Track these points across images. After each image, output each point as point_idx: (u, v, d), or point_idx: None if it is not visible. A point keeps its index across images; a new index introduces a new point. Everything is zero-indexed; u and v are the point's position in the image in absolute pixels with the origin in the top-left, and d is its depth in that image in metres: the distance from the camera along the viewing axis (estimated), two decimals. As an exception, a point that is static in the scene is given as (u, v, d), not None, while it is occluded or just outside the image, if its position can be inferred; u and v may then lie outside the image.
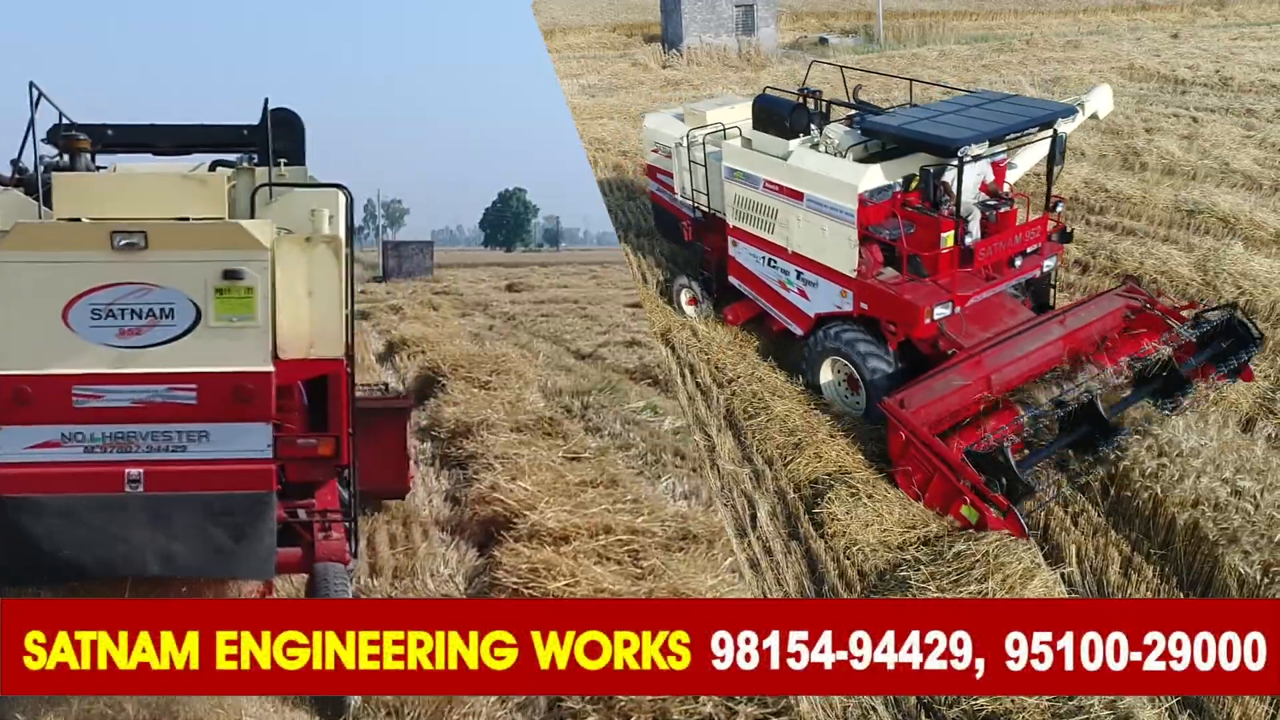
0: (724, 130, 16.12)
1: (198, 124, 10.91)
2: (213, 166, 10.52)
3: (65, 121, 10.46)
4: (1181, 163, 23.42)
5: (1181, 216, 20.29)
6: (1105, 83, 19.85)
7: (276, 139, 10.03)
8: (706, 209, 16.47)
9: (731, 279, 16.20)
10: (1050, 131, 14.03)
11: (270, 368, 8.49)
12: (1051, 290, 15.39)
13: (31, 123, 9.30)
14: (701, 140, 16.21)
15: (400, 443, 12.94)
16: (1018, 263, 14.15)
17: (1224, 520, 10.79)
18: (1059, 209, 15.01)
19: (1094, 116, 17.04)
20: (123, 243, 8.19)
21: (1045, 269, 14.78)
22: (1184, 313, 14.27)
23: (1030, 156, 15.61)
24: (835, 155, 14.25)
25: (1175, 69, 35.00)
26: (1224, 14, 47.16)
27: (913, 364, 13.63)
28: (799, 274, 14.76)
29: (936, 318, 13.26)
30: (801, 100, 15.26)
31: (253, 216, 9.40)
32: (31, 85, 9.25)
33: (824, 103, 15.51)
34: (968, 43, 43.16)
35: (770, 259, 15.25)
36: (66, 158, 9.75)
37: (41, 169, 9.30)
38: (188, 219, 8.67)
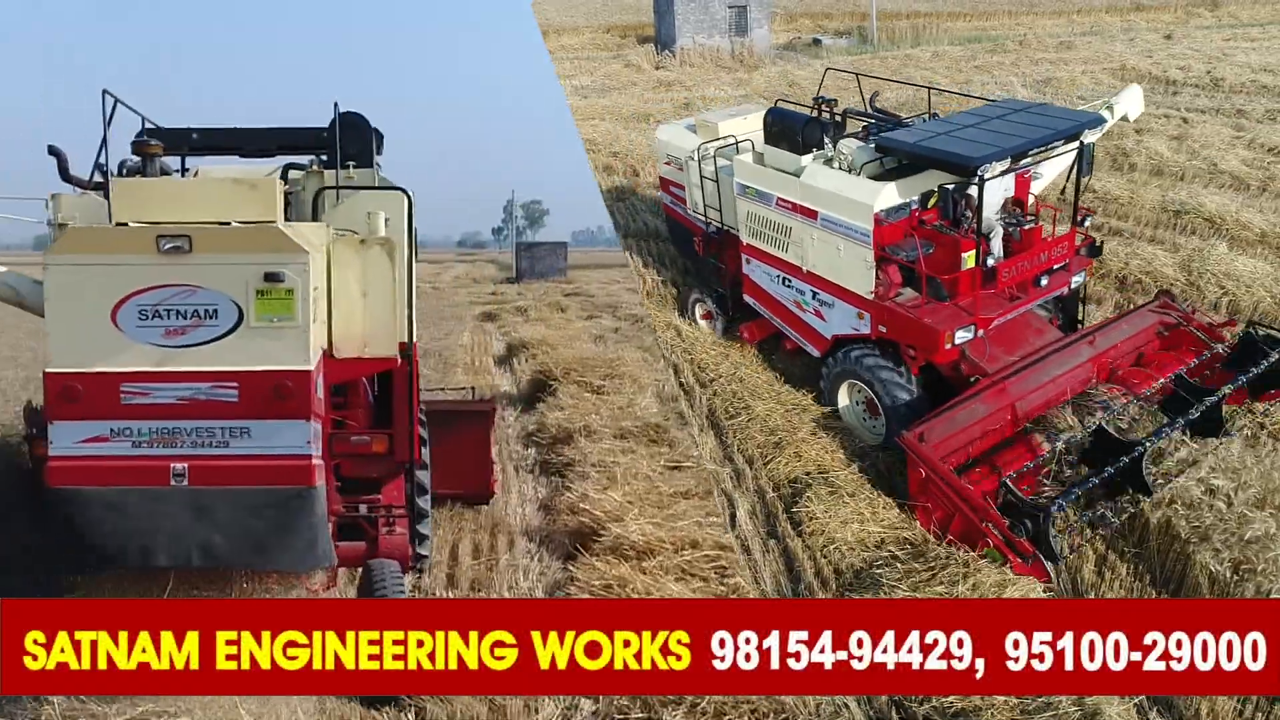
0: (736, 144, 15.66)
1: (276, 127, 11.22)
2: (285, 170, 10.86)
3: (150, 126, 10.94)
4: (1170, 163, 23.32)
5: (1168, 217, 20.25)
6: (1135, 83, 19.34)
7: (346, 142, 10.48)
8: (720, 225, 16.03)
9: (746, 297, 15.74)
10: (1076, 143, 13.53)
11: (309, 367, 8.67)
12: (1081, 306, 14.94)
13: (106, 128, 9.76)
14: (713, 154, 15.79)
15: (483, 447, 12.99)
16: (1044, 281, 13.60)
17: (1196, 519, 10.83)
18: (1087, 222, 14.48)
19: (1124, 119, 16.69)
20: (168, 246, 8.46)
21: (1074, 285, 14.30)
22: (1223, 330, 13.81)
23: (1056, 166, 15.01)
24: (849, 172, 13.76)
25: (1167, 70, 35.01)
26: (1217, 15, 47.10)
27: (935, 386, 13.23)
28: (815, 294, 14.31)
29: (958, 342, 12.80)
30: (816, 112, 14.76)
31: (316, 219, 9.98)
32: (105, 93, 9.70)
33: (839, 113, 15.06)
34: (961, 43, 42.97)
35: (785, 278, 14.79)
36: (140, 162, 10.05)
37: (124, 173, 9.89)
38: (232, 223, 8.84)
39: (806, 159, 14.13)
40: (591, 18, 50.85)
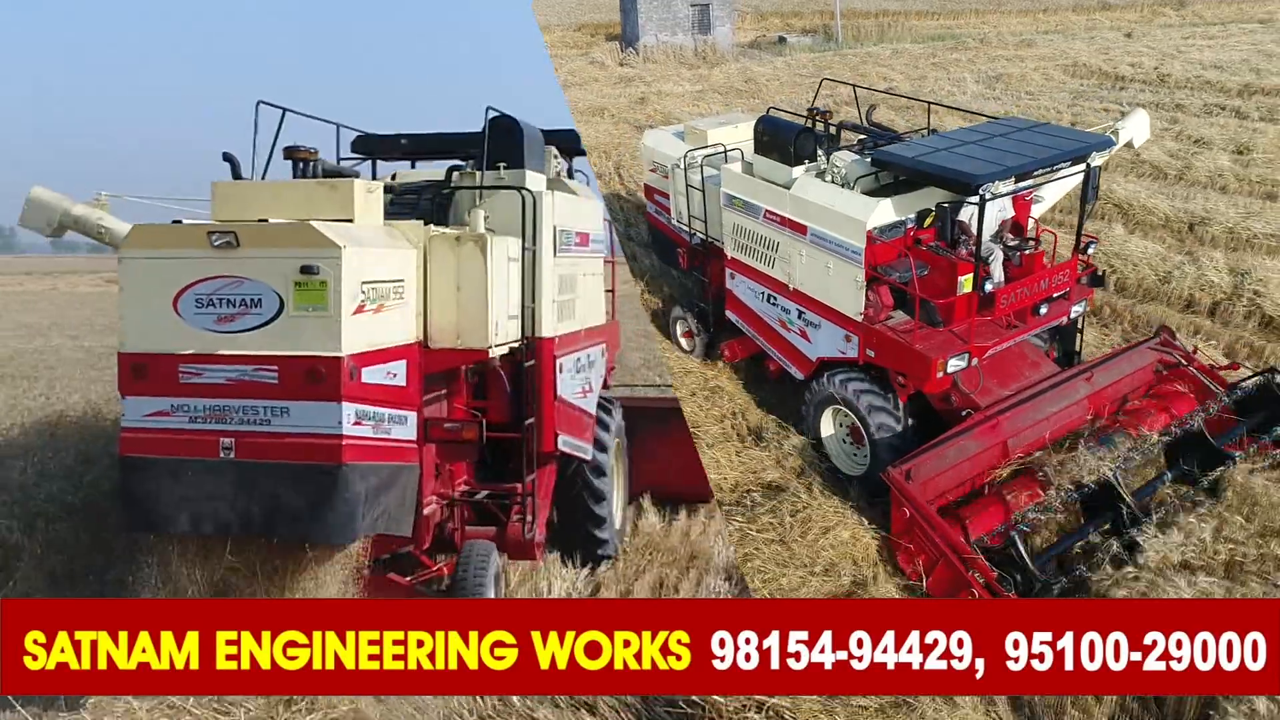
0: (725, 152, 14.93)
1: (445, 133, 12.97)
2: (449, 171, 11.86)
3: (361, 135, 13.08)
4: (1097, 154, 23.88)
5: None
6: (1141, 108, 18.52)
7: (498, 145, 11.52)
8: (705, 236, 15.27)
9: (729, 314, 14.99)
10: (1083, 165, 12.85)
11: (341, 353, 9.12)
12: (1079, 337, 14.24)
13: (276, 135, 10.98)
14: (700, 162, 15.05)
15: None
16: (1043, 310, 12.95)
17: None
18: (1090, 250, 13.78)
19: (1129, 145, 16.23)
20: (218, 242, 9.10)
21: (1073, 315, 13.66)
22: (1224, 373, 13.16)
23: (1059, 189, 14.41)
24: (842, 186, 13.07)
25: (1117, 66, 35.57)
26: (1182, 14, 47.51)
27: (924, 416, 12.64)
28: (800, 313, 13.59)
29: (950, 371, 12.11)
30: (810, 123, 14.10)
31: (451, 217, 11.41)
32: (259, 104, 10.84)
33: (834, 125, 14.46)
34: (924, 41, 43.12)
35: (770, 295, 14.06)
36: (299, 166, 10.96)
37: (298, 174, 10.86)
38: (311, 219, 9.43)
39: (798, 171, 13.43)
40: (564, 17, 50.88)
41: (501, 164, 11.68)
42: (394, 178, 12.76)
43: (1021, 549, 10.34)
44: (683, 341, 16.14)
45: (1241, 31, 42.52)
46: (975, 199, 11.78)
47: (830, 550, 11.17)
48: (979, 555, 10.31)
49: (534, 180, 11.76)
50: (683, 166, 15.39)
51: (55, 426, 16.07)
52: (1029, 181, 12.57)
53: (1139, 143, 16.45)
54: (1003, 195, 12.30)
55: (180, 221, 9.84)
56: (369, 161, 13.37)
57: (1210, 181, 23.04)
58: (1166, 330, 13.75)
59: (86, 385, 18.95)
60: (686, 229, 15.74)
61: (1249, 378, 12.93)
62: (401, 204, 11.80)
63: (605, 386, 13.81)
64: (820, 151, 13.54)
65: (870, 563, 11.14)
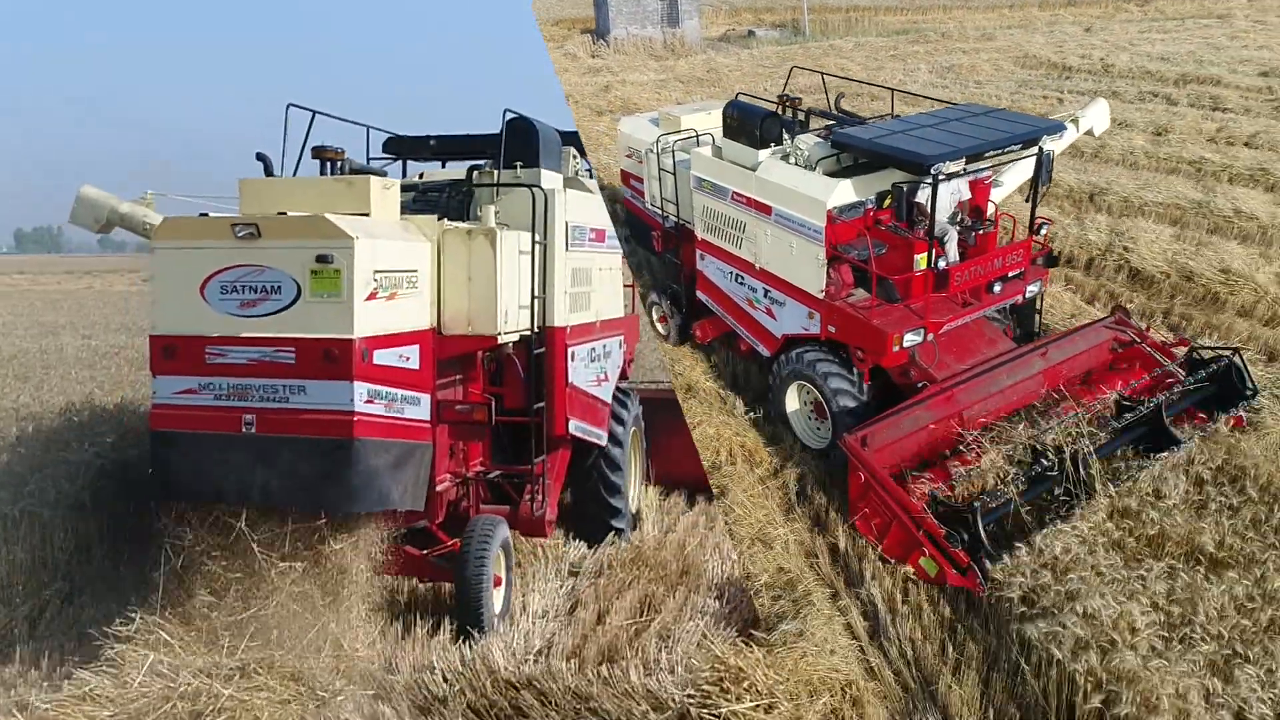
0: (696, 137, 15.38)
1: (466, 135, 13.67)
2: (469, 170, 12.46)
3: (392, 136, 13.81)
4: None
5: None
6: (1102, 98, 19.20)
7: (515, 145, 12.30)
8: (677, 219, 15.67)
9: (700, 294, 15.43)
10: (1035, 149, 13.31)
11: (353, 336, 9.69)
12: (1037, 317, 14.81)
13: (306, 136, 11.64)
14: (672, 147, 15.48)
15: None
16: (997, 288, 13.47)
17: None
18: (1044, 231, 14.37)
19: (1089, 133, 16.68)
20: (241, 233, 9.71)
21: (1029, 294, 14.18)
22: (1175, 349, 13.71)
23: (1016, 174, 14.99)
24: (805, 168, 13.52)
25: (1066, 58, 36.41)
26: (1145, 10, 48.17)
27: (885, 392, 13.03)
28: (766, 292, 14.04)
29: (906, 345, 12.58)
30: (780, 109, 14.57)
31: (470, 214, 12.04)
32: (289, 106, 11.59)
33: (803, 111, 14.91)
34: (888, 35, 43.75)
35: (738, 275, 14.50)
36: (326, 166, 11.54)
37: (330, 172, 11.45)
38: (326, 214, 9.96)
39: (764, 154, 13.86)
40: (543, 12, 51.08)
41: (518, 163, 12.34)
42: (421, 177, 13.50)
43: (978, 517, 10.71)
44: (659, 326, 16.65)
45: (1198, 26, 43.22)
46: (929, 179, 12.36)
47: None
48: (929, 515, 10.79)
49: (548, 179, 12.39)
50: (655, 151, 15.82)
51: (32, 429, 15.19)
52: (981, 164, 13.03)
53: (1099, 131, 17.01)
54: (955, 176, 12.78)
55: (207, 214, 10.45)
56: (399, 162, 14.04)
57: (1122, 159, 24.66)
58: (1121, 310, 14.43)
59: (74, 386, 18.64)
60: (660, 212, 16.14)
61: (1208, 347, 13.59)
62: (425, 201, 12.52)
63: (624, 377, 14.34)
64: (786, 135, 13.99)
65: (728, 452, 13.32)
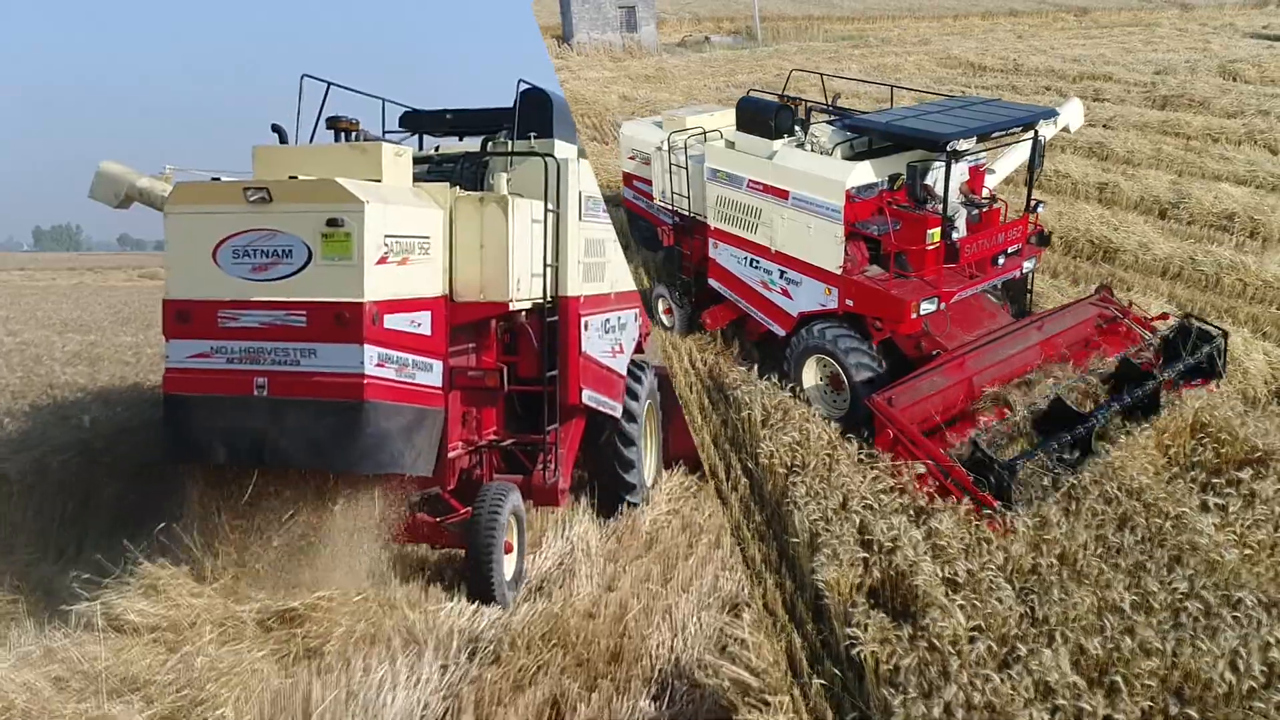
0: (705, 134, 15.96)
1: (482, 109, 13.63)
2: (483, 141, 12.87)
3: (409, 111, 13.86)
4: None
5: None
6: (1077, 97, 20.11)
7: (529, 116, 12.54)
8: (687, 212, 16.22)
9: (712, 281, 15.99)
10: (1032, 133, 14.23)
11: (363, 299, 9.73)
12: (1029, 294, 15.63)
13: (321, 108, 11.67)
14: (684, 144, 15.99)
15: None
16: (1000, 262, 14.28)
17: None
18: (1039, 209, 15.14)
19: (1065, 130, 17.23)
20: (253, 198, 9.76)
21: (1025, 270, 15.01)
22: (1156, 324, 14.52)
23: (1008, 162, 15.82)
24: (822, 154, 14.19)
25: (984, 59, 38.29)
26: (1081, 20, 50.06)
27: (895, 366, 13.58)
28: (782, 273, 14.61)
29: (923, 312, 13.24)
30: (785, 102, 15.22)
31: (484, 185, 12.10)
32: (304, 78, 11.59)
33: (805, 107, 15.56)
34: (833, 41, 45.37)
35: (752, 259, 15.08)
36: (341, 136, 11.69)
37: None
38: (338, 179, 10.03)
39: (779, 143, 14.52)
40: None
41: (532, 134, 12.48)
42: (438, 149, 13.74)
43: (985, 448, 11.32)
44: (664, 318, 17.28)
45: (1123, 33, 45.21)
46: (943, 157, 13.17)
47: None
48: (957, 464, 11.41)
49: (562, 149, 12.55)
50: (666, 149, 16.38)
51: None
52: (989, 143, 13.91)
53: (1074, 128, 17.70)
54: (966, 154, 13.59)
55: (219, 179, 10.51)
56: (416, 136, 14.02)
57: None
58: (1106, 288, 15.42)
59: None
60: (668, 209, 16.77)
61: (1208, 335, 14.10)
62: (440, 172, 12.53)
63: (639, 350, 14.55)
64: (798, 126, 14.80)
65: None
